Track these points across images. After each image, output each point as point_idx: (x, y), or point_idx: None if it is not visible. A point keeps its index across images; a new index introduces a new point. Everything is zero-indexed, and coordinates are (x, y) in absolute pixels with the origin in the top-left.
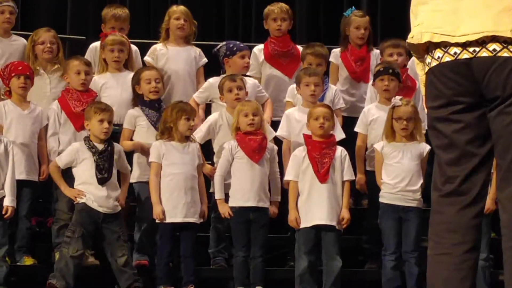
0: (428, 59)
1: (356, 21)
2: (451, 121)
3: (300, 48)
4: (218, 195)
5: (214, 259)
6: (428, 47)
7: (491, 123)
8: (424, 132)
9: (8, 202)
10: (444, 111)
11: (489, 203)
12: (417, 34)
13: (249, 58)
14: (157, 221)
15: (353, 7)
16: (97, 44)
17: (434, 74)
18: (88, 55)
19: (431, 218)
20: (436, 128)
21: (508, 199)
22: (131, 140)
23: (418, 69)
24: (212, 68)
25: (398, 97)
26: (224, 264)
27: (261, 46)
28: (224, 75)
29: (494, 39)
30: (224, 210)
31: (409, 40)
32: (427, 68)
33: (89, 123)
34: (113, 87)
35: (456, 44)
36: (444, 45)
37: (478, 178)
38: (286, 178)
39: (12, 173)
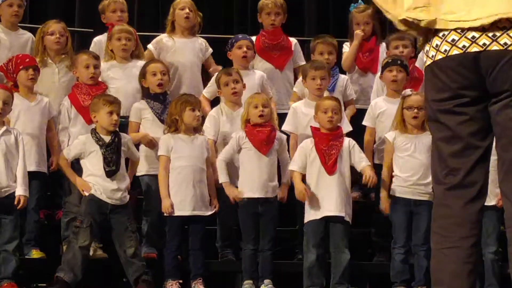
0: (432, 51)
1: (356, 18)
2: (455, 113)
3: (292, 39)
4: (223, 178)
5: (222, 252)
6: (429, 38)
7: (495, 116)
8: None
9: (20, 191)
10: (448, 104)
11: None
12: (429, 20)
13: (247, 48)
14: (165, 214)
15: (359, 1)
16: (100, 37)
17: (439, 67)
18: (92, 49)
19: (435, 212)
20: (439, 121)
21: None
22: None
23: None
24: (218, 61)
25: (408, 90)
26: (232, 258)
27: (253, 39)
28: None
29: (505, 29)
30: (231, 192)
31: (416, 22)
32: (429, 61)
33: (96, 115)
34: (119, 78)
35: (468, 35)
36: (451, 37)
37: (481, 171)
38: (290, 167)
39: (24, 163)
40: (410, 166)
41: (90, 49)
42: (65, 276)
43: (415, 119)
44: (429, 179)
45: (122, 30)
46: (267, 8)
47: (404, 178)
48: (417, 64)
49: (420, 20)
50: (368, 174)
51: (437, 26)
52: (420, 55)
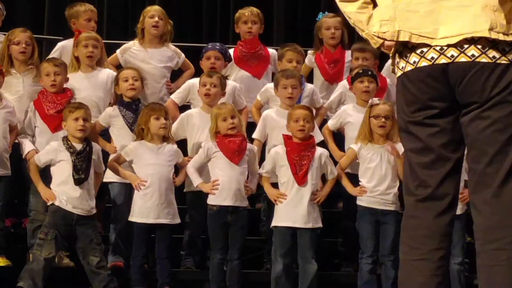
0: (402, 63)
1: (327, 22)
2: (426, 125)
3: (270, 50)
4: (197, 181)
5: (183, 261)
6: (400, 50)
7: (465, 127)
8: None
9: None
10: (419, 115)
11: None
12: (393, 31)
13: (216, 58)
14: (138, 190)
15: (326, 12)
16: (65, 42)
17: (409, 79)
18: (55, 53)
19: (405, 223)
20: (410, 132)
21: (484, 202)
22: (100, 134)
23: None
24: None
25: (376, 99)
26: (192, 267)
27: (232, 49)
28: None
29: (473, 42)
30: (207, 188)
31: (380, 34)
32: (400, 72)
33: (66, 123)
34: (84, 89)
35: (436, 47)
36: (420, 50)
37: (452, 183)
38: (260, 171)
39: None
40: (376, 176)
41: (53, 52)
42: (24, 284)
43: (382, 128)
44: (395, 189)
45: (89, 37)
46: (244, 17)
47: (371, 188)
48: (383, 73)
49: (384, 32)
50: (321, 194)
51: (401, 38)
52: (386, 64)
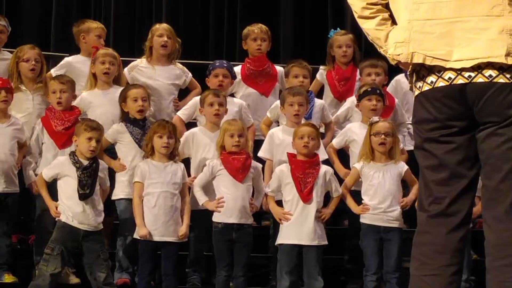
0: (420, 83)
1: (338, 40)
2: (442, 142)
3: (277, 67)
4: (202, 199)
5: (189, 278)
6: (417, 69)
7: (480, 143)
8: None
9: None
10: (436, 133)
11: None
12: (407, 54)
13: (224, 76)
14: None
15: (338, 29)
16: (70, 59)
17: (427, 98)
18: (60, 68)
19: (417, 238)
20: (425, 149)
21: (495, 219)
22: (107, 150)
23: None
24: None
25: (376, 117)
26: (198, 284)
27: (239, 66)
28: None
29: (489, 64)
30: (212, 206)
31: (395, 57)
32: (417, 92)
33: (77, 139)
34: (100, 106)
35: (450, 69)
36: (437, 70)
37: (466, 200)
38: (266, 190)
39: None
40: (379, 194)
41: (59, 66)
42: None
43: (382, 146)
44: (398, 206)
45: (106, 54)
46: (253, 34)
47: (374, 205)
48: (388, 89)
49: (398, 55)
50: (325, 212)
51: (415, 61)
52: (392, 82)
